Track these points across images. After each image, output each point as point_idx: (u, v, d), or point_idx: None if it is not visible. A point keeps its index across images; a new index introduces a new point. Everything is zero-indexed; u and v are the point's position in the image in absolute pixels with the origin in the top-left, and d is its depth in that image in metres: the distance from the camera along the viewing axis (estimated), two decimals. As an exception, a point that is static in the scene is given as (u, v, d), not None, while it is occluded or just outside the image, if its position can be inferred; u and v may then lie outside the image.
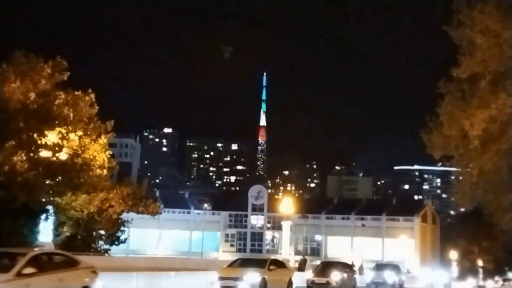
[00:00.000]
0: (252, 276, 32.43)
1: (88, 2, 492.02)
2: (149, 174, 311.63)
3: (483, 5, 35.00)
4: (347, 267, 49.18)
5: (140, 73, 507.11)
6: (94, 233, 62.05)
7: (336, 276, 44.14)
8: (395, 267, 60.11)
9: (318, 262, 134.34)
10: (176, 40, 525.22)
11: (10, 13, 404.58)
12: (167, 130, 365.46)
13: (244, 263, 35.62)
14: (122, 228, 65.13)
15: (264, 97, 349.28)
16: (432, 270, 75.72)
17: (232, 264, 35.96)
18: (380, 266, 60.48)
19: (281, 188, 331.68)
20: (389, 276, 55.13)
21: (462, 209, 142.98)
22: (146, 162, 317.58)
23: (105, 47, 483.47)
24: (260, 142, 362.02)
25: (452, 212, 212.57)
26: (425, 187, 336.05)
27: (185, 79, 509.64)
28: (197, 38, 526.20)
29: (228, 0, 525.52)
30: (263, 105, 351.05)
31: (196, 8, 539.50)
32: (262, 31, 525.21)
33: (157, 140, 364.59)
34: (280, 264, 37.28)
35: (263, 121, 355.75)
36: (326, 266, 47.14)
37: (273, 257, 48.93)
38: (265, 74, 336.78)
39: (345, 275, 45.28)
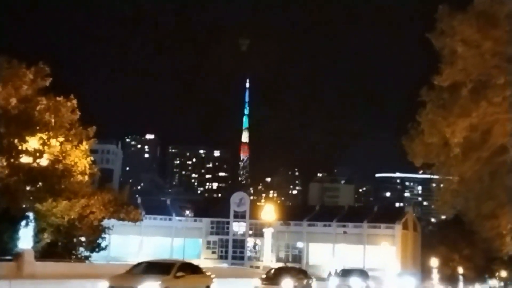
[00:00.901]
0: (149, 286, 26.54)
1: (70, 8, 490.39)
2: (130, 180, 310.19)
3: (464, 16, 35.34)
4: (301, 273, 46.50)
5: (123, 79, 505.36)
6: (75, 240, 61.46)
7: (287, 284, 41.00)
8: (362, 273, 58.07)
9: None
10: (158, 46, 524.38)
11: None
12: (149, 136, 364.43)
13: (146, 269, 29.13)
14: (103, 235, 64.80)
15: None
16: (399, 277, 74.21)
17: (131, 270, 29.62)
18: (346, 272, 58.31)
19: (263, 195, 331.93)
20: (355, 283, 53.06)
21: (443, 217, 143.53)
22: (127, 168, 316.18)
23: (87, 53, 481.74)
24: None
25: (433, 220, 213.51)
26: (407, 194, 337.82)
27: (167, 85, 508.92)
28: (179, 44, 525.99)
29: (210, 8, 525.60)
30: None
31: (179, 14, 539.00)
32: (245, 37, 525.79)
33: (139, 146, 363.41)
34: (194, 270, 30.98)
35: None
36: (278, 272, 43.86)
37: (187, 261, 39.49)
38: (247, 81, 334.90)
39: (297, 282, 42.27)
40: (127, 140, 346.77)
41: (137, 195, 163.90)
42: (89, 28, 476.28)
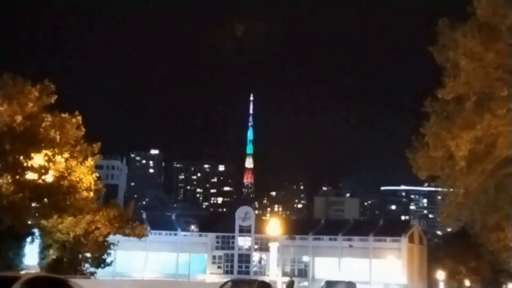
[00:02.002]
0: None
1: (74, 25, 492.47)
2: (135, 196, 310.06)
3: (465, 28, 35.40)
4: (262, 285, 43.33)
5: (127, 95, 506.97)
6: (80, 256, 61.43)
7: None
8: (349, 285, 56.76)
9: (305, 284, 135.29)
10: (163, 62, 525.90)
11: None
12: (154, 151, 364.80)
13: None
14: (108, 251, 64.79)
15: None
16: None
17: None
18: (331, 284, 57.06)
19: (269, 209, 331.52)
20: None
21: (449, 229, 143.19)
22: (133, 184, 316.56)
23: (92, 69, 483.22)
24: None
25: (439, 232, 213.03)
26: (412, 207, 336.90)
27: (171, 100, 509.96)
28: (184, 60, 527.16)
29: (216, 28, 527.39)
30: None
31: (186, 29, 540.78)
32: (250, 55, 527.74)
33: (144, 161, 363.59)
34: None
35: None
36: (235, 285, 41.92)
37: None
38: (251, 95, 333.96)
39: None
40: (132, 155, 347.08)
41: (142, 211, 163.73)
42: (93, 45, 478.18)
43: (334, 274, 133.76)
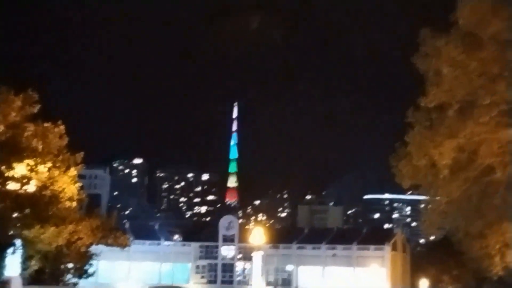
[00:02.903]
0: None
1: (55, 33, 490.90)
2: (118, 205, 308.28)
3: (448, 37, 35.60)
4: None
5: (110, 103, 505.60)
6: (62, 267, 61.02)
7: None
8: None
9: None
10: (147, 69, 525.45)
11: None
12: (137, 160, 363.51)
13: None
14: (90, 261, 64.40)
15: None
16: None
17: None
18: None
19: (253, 218, 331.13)
20: None
21: (432, 237, 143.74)
22: (115, 193, 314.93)
23: (75, 78, 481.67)
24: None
25: (422, 241, 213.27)
26: (395, 215, 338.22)
27: (154, 108, 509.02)
28: (166, 66, 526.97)
29: (197, 34, 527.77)
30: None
31: (169, 36, 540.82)
32: (232, 60, 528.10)
33: (126, 171, 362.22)
34: None
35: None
36: None
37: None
38: (236, 103, 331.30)
39: None
40: (115, 164, 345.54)
41: (125, 220, 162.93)
42: (75, 52, 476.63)
43: (317, 282, 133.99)
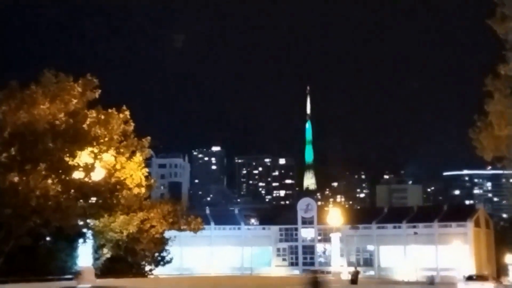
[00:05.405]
0: None
1: (122, 15, 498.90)
2: (200, 192, 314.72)
3: None
4: None
5: (184, 93, 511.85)
6: (137, 255, 60.27)
7: None
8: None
9: (372, 273, 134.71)
10: (218, 58, 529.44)
11: (40, 35, 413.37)
12: (215, 148, 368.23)
13: None
14: (166, 248, 64.41)
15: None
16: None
17: None
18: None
19: (331, 200, 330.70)
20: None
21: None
22: (196, 181, 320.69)
23: (152, 69, 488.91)
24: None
25: (505, 216, 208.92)
26: (476, 191, 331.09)
27: (230, 95, 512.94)
28: (242, 53, 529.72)
29: (274, 16, 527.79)
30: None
31: (247, 25, 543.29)
32: (305, 45, 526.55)
33: (206, 158, 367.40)
34: None
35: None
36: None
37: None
38: (308, 88, 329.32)
39: None
40: (194, 153, 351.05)
41: (206, 206, 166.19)
42: (148, 35, 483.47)
43: (399, 262, 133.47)
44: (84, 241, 54.34)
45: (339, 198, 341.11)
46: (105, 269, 54.16)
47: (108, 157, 54.39)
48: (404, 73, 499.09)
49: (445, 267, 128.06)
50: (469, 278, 67.08)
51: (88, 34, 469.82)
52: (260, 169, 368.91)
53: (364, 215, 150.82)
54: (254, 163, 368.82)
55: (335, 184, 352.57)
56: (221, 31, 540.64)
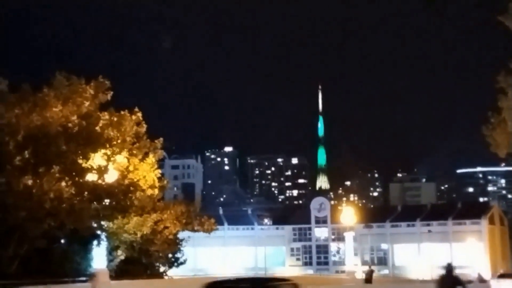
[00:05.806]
0: None
1: (134, 22, 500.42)
2: (212, 193, 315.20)
3: None
4: None
5: (197, 95, 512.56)
6: (151, 256, 60.31)
7: None
8: None
9: (386, 272, 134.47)
10: (232, 59, 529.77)
11: (52, 38, 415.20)
12: (228, 148, 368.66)
13: None
14: (181, 248, 64.65)
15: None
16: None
17: None
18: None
19: (344, 199, 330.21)
20: None
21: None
22: (209, 181, 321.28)
23: (164, 70, 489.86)
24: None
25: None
26: (490, 188, 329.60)
27: (242, 95, 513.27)
28: (253, 52, 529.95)
29: (287, 18, 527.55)
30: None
31: (256, 23, 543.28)
32: (317, 45, 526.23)
33: (218, 159, 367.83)
34: None
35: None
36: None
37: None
38: (319, 86, 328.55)
39: None
40: (207, 154, 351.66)
41: (220, 207, 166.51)
42: (159, 36, 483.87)
43: (414, 260, 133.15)
44: (98, 243, 54.54)
45: (352, 197, 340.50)
46: (120, 271, 53.89)
47: (121, 159, 54.57)
48: (417, 70, 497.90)
49: (460, 265, 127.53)
50: (501, 276, 71.29)
51: (100, 36, 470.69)
52: (273, 169, 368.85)
53: (377, 213, 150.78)
54: (266, 163, 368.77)
55: (348, 183, 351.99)
56: (228, 31, 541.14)
